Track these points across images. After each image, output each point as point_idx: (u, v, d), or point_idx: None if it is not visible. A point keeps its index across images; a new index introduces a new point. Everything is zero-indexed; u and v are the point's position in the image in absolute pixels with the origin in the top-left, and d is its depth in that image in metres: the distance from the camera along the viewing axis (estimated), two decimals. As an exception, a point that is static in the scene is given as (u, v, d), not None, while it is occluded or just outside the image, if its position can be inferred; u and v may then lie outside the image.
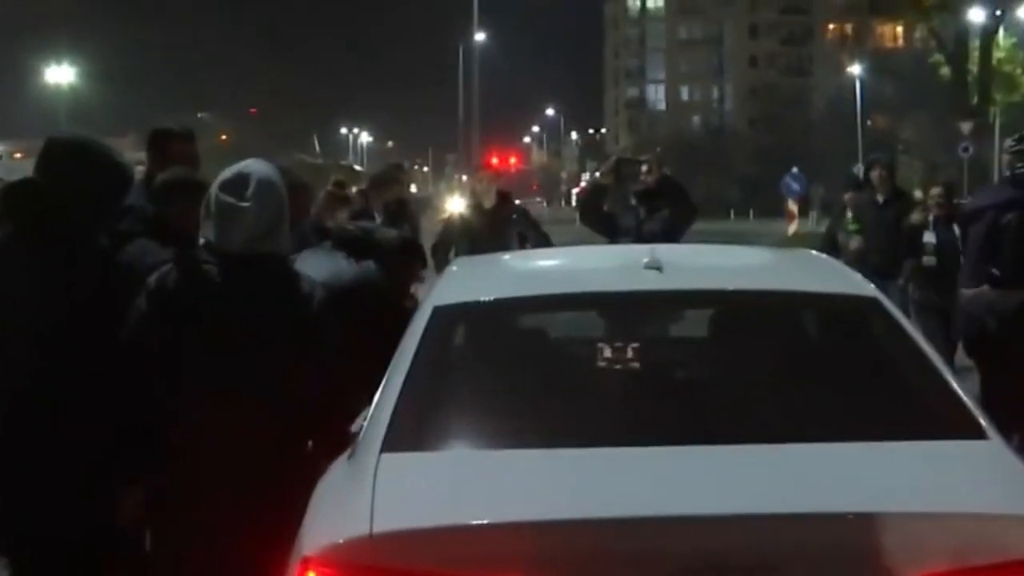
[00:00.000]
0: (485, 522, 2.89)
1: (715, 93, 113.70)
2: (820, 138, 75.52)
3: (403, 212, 9.74)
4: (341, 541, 2.90)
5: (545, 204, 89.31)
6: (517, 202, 11.12)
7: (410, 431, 3.38)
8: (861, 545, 2.79)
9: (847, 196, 11.45)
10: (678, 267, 4.20)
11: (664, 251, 4.25)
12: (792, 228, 37.66)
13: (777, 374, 3.78)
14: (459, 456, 3.38)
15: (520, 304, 4.17)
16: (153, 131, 6.05)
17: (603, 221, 8.73)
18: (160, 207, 4.99)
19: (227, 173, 4.07)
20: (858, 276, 4.35)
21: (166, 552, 4.09)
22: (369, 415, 3.56)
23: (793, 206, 39.12)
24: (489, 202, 9.73)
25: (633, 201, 8.73)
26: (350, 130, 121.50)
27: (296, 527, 3.20)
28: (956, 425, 3.40)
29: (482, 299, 4.11)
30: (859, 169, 16.14)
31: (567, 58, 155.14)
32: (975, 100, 48.24)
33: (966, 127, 37.50)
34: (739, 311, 4.12)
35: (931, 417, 3.53)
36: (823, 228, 15.24)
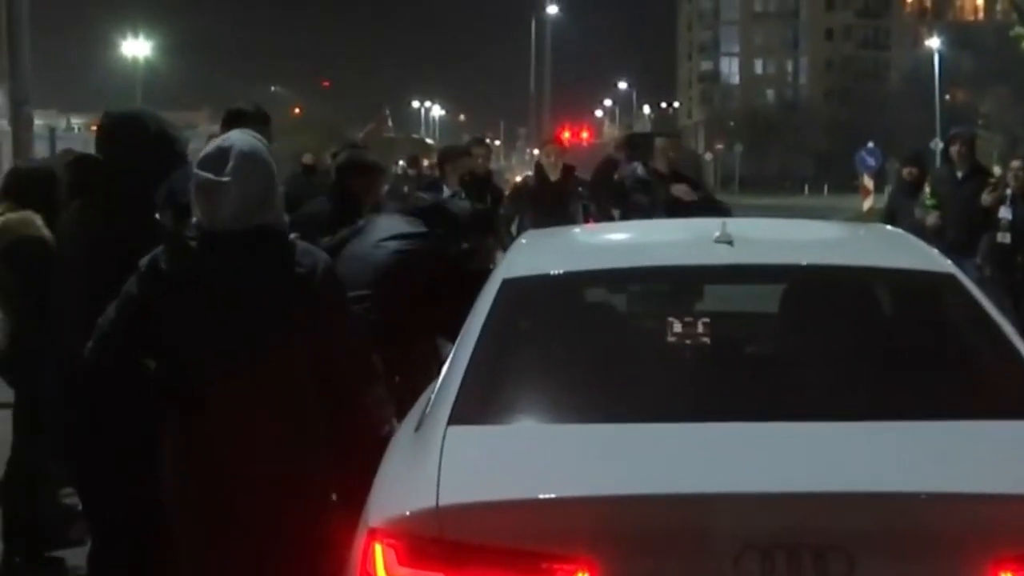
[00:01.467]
0: (551, 496, 2.88)
1: (790, 67, 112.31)
2: (896, 113, 74.43)
3: (478, 185, 9.75)
4: (407, 513, 2.90)
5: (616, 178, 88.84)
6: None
7: (477, 404, 3.37)
8: (934, 527, 2.75)
9: (905, 171, 11.30)
10: (749, 241, 4.14)
11: (735, 225, 4.20)
12: (867, 203, 37.09)
13: (850, 351, 3.71)
14: (527, 430, 3.37)
15: (590, 277, 4.14)
16: (227, 111, 6.09)
17: (613, 196, 9.26)
18: None
19: (207, 148, 3.91)
20: (934, 252, 4.26)
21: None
22: (437, 386, 3.57)
23: (868, 181, 38.52)
24: (555, 175, 9.77)
25: (644, 174, 9.16)
26: (422, 103, 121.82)
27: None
28: None
29: (552, 272, 4.08)
30: (937, 144, 15.85)
31: (640, 31, 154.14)
32: (1057, 74, 47.25)
33: (1048, 101, 36.68)
34: (812, 286, 4.06)
35: (1008, 396, 3.47)
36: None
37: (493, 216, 6.62)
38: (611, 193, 9.38)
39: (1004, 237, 9.52)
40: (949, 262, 4.10)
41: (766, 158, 75.61)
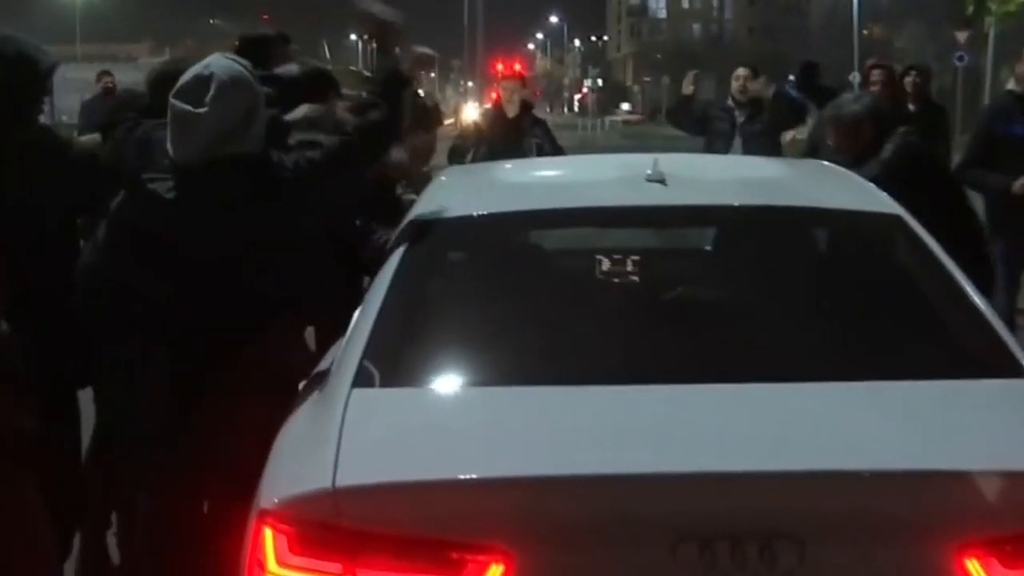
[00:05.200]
0: (462, 478, 2.42)
1: (715, 1, 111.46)
2: (817, 47, 73.97)
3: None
4: (299, 494, 2.44)
5: (548, 110, 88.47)
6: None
7: (387, 362, 2.90)
8: (895, 510, 2.33)
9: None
10: (682, 180, 3.69)
11: (668, 162, 3.74)
12: (789, 135, 36.88)
13: (790, 302, 3.28)
14: (441, 394, 2.90)
15: (511, 220, 3.62)
16: (242, 38, 5.56)
17: (695, 123, 9.39)
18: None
19: (186, 76, 3.54)
20: (878, 191, 3.82)
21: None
22: (343, 343, 3.10)
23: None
24: (512, 111, 9.24)
25: (730, 102, 9.27)
26: (360, 37, 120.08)
27: None
28: (992, 361, 2.92)
29: (470, 214, 3.59)
30: (855, 77, 15.28)
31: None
32: (970, 10, 47.14)
33: (962, 36, 36.36)
34: (749, 230, 3.60)
35: (962, 352, 3.06)
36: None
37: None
38: (691, 121, 9.51)
39: None
40: (894, 202, 3.67)
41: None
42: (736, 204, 3.63)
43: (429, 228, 3.46)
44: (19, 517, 2.95)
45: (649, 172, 3.60)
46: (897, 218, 3.51)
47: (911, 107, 9.47)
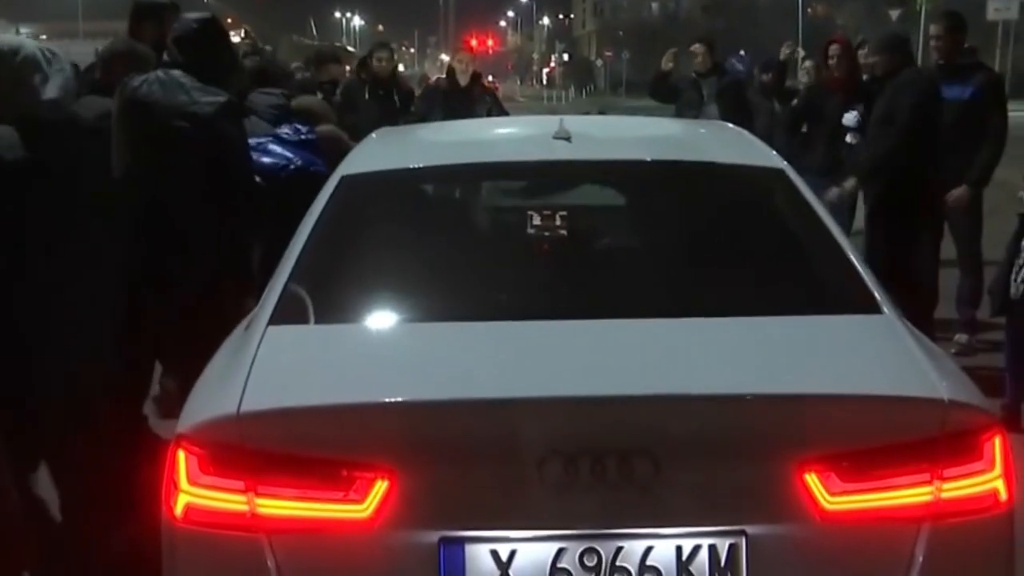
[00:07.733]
0: (347, 403, 2.43)
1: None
2: (766, 25, 73.82)
3: (383, 87, 9.39)
4: (208, 420, 2.46)
5: (519, 82, 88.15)
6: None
7: (302, 303, 2.91)
8: (739, 429, 2.37)
9: (764, 76, 10.64)
10: (586, 137, 3.70)
11: (574, 122, 3.76)
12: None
13: (675, 246, 3.30)
14: (346, 330, 2.89)
15: (426, 174, 3.64)
16: (138, 4, 5.79)
17: (669, 95, 9.54)
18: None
19: None
20: (766, 147, 3.84)
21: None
22: (269, 286, 3.11)
23: (737, 85, 38.19)
24: (465, 80, 9.31)
25: (694, 75, 9.32)
26: (343, 14, 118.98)
27: None
28: (852, 299, 2.96)
29: (389, 168, 3.60)
30: (798, 52, 15.10)
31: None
32: (904, -12, 47.05)
33: (895, 13, 36.32)
34: (642, 182, 3.62)
35: (826, 290, 3.09)
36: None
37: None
38: (666, 93, 9.58)
39: None
40: (779, 157, 3.69)
41: (650, 64, 75.17)
42: (634, 159, 3.64)
43: (351, 181, 3.46)
44: None
45: (555, 131, 3.62)
46: (780, 172, 3.53)
47: (865, 77, 9.50)
